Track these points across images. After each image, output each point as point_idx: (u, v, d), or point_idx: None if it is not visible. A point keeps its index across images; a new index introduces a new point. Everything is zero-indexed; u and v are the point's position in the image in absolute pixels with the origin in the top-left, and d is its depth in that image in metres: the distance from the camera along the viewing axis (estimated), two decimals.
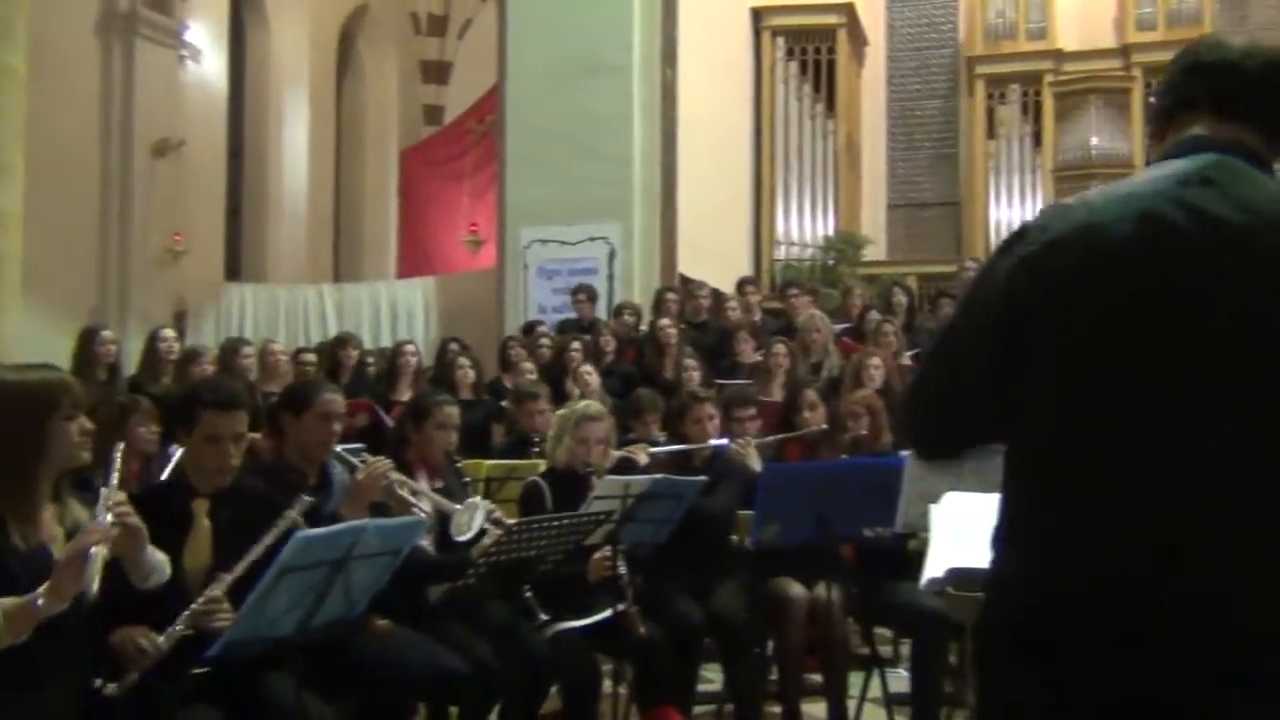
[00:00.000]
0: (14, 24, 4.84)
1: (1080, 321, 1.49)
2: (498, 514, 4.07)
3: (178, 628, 2.69)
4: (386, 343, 10.57)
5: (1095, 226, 1.51)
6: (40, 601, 2.26)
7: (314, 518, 3.35)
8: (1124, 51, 13.57)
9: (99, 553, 2.32)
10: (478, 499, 3.86)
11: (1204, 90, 1.61)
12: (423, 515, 3.60)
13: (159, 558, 2.63)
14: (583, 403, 4.59)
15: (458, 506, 3.73)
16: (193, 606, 2.75)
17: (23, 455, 2.51)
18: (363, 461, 3.58)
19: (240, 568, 2.84)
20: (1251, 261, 1.46)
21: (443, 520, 3.76)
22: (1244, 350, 1.44)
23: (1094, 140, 13.34)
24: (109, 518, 2.40)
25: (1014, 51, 13.81)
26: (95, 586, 2.28)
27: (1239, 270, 1.46)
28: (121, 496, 2.51)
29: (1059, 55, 13.70)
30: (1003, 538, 1.57)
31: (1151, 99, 1.72)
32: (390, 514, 3.64)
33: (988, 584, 1.58)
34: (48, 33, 8.65)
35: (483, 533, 3.71)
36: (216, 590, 2.80)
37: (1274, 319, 1.45)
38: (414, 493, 3.65)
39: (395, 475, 3.57)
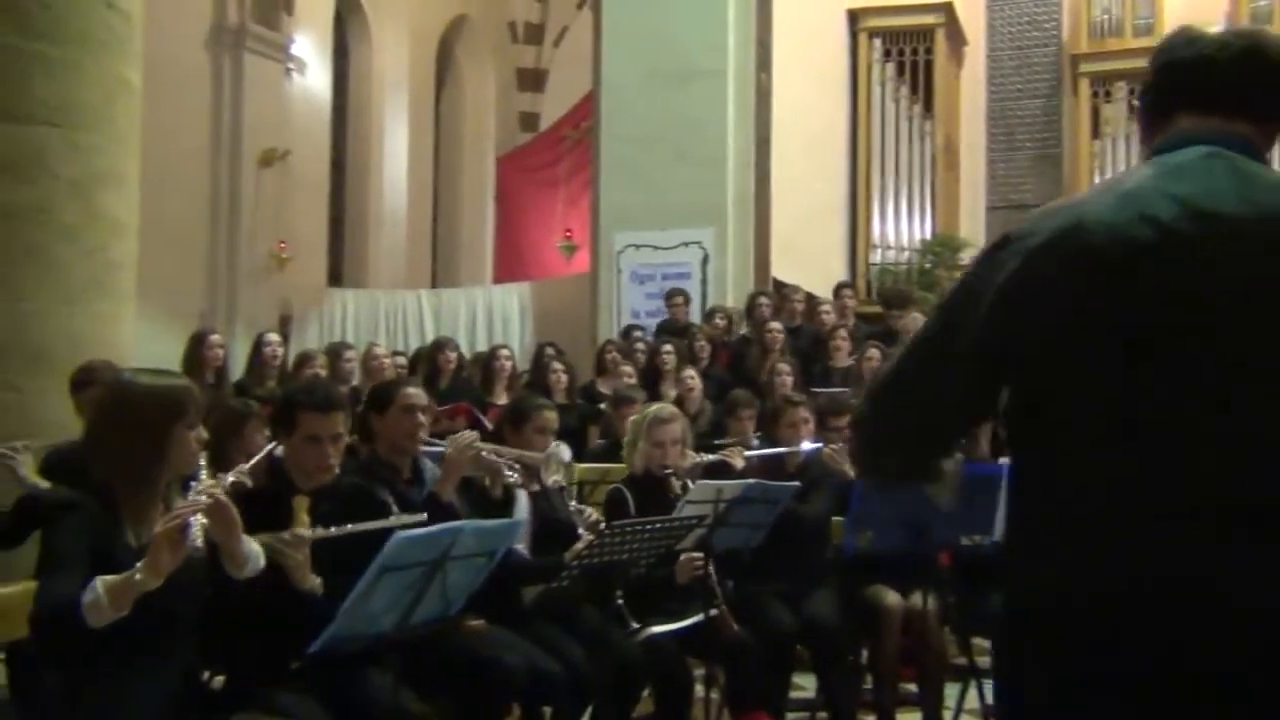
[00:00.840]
0: (131, 40, 5.01)
1: (1069, 324, 1.45)
2: (593, 516, 4.11)
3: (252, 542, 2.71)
4: (483, 347, 10.71)
5: (1085, 226, 1.47)
6: (138, 576, 2.32)
7: (408, 503, 3.42)
8: None
9: (198, 520, 2.41)
10: (556, 444, 3.94)
11: (1183, 87, 1.58)
12: (515, 475, 3.74)
13: (254, 548, 2.68)
14: (654, 406, 4.59)
15: (540, 455, 3.80)
16: (277, 535, 2.79)
17: (147, 458, 2.58)
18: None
19: (336, 530, 2.92)
20: (1248, 253, 1.41)
21: (531, 473, 3.90)
22: (1242, 342, 1.40)
23: None
24: (203, 498, 2.49)
25: (1120, 48, 13.42)
26: (200, 542, 2.38)
27: (1235, 263, 1.41)
28: (211, 482, 2.58)
29: None
30: (1006, 546, 1.57)
31: (1134, 102, 1.67)
32: (489, 511, 3.70)
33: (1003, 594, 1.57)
34: (161, 47, 8.97)
35: (583, 510, 3.80)
36: (305, 532, 2.85)
37: (1272, 310, 1.40)
38: (498, 455, 3.73)
39: (481, 444, 3.63)
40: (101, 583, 2.32)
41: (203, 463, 2.67)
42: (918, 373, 1.59)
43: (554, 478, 3.81)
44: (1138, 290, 1.43)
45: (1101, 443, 1.45)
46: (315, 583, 2.85)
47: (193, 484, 2.58)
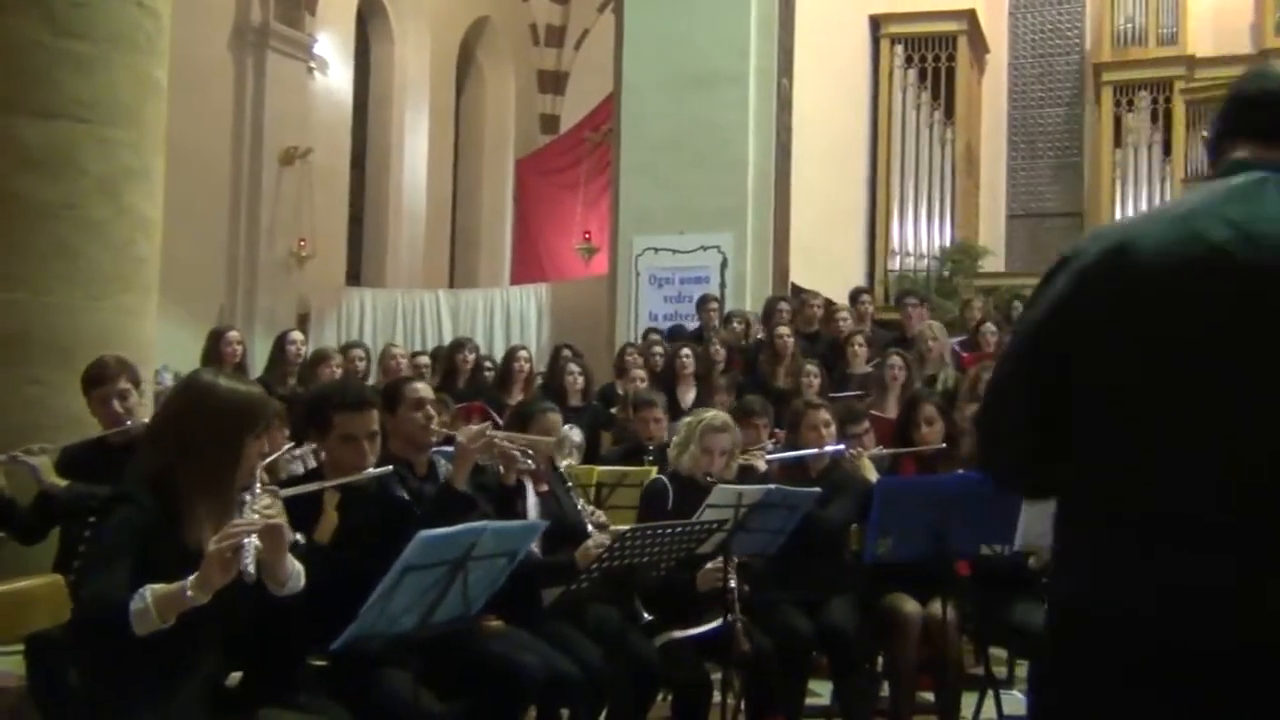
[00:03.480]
0: (159, 38, 5.04)
1: (1121, 344, 1.48)
2: (601, 516, 4.13)
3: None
4: (500, 348, 10.74)
5: (1133, 246, 1.50)
6: (189, 593, 2.32)
7: (423, 499, 3.43)
8: (1261, 57, 13.03)
9: (252, 543, 2.37)
10: (567, 426, 3.95)
11: (1246, 119, 1.61)
12: (530, 462, 3.78)
13: (296, 566, 2.64)
14: (710, 412, 4.57)
15: (552, 439, 3.81)
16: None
17: (221, 463, 2.56)
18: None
19: (295, 490, 2.93)
20: None
21: (544, 458, 3.95)
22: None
23: None
24: (255, 517, 2.45)
25: (1143, 58, 13.38)
26: (253, 568, 2.34)
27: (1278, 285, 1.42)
28: (266, 500, 2.54)
29: (1191, 61, 13.22)
30: (1057, 566, 1.58)
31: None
32: (503, 500, 3.71)
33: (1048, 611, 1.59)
34: (185, 46, 9.03)
35: (588, 508, 3.81)
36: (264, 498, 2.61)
37: None
38: (511, 441, 3.76)
39: (493, 433, 3.67)
40: (151, 592, 2.32)
41: (259, 475, 2.63)
42: (999, 391, 1.66)
43: (567, 460, 3.83)
44: (1183, 308, 1.45)
45: (1136, 452, 1.47)
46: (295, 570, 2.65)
47: (246, 497, 2.54)
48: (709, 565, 3.96)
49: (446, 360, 7.91)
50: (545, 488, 4.07)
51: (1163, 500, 1.45)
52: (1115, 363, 1.48)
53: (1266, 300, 1.43)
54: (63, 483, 3.89)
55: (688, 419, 4.53)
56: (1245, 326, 1.43)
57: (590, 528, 4.03)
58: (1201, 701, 1.40)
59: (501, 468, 3.78)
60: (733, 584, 3.89)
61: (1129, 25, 13.53)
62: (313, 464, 4.41)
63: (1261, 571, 1.39)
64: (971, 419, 1.78)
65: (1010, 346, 1.67)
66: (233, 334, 7.05)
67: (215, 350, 6.81)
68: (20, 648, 3.58)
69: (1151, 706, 1.42)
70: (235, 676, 2.97)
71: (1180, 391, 1.44)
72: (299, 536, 2.82)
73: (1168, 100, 13.23)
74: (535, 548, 3.82)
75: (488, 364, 8.22)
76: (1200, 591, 1.40)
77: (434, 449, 3.89)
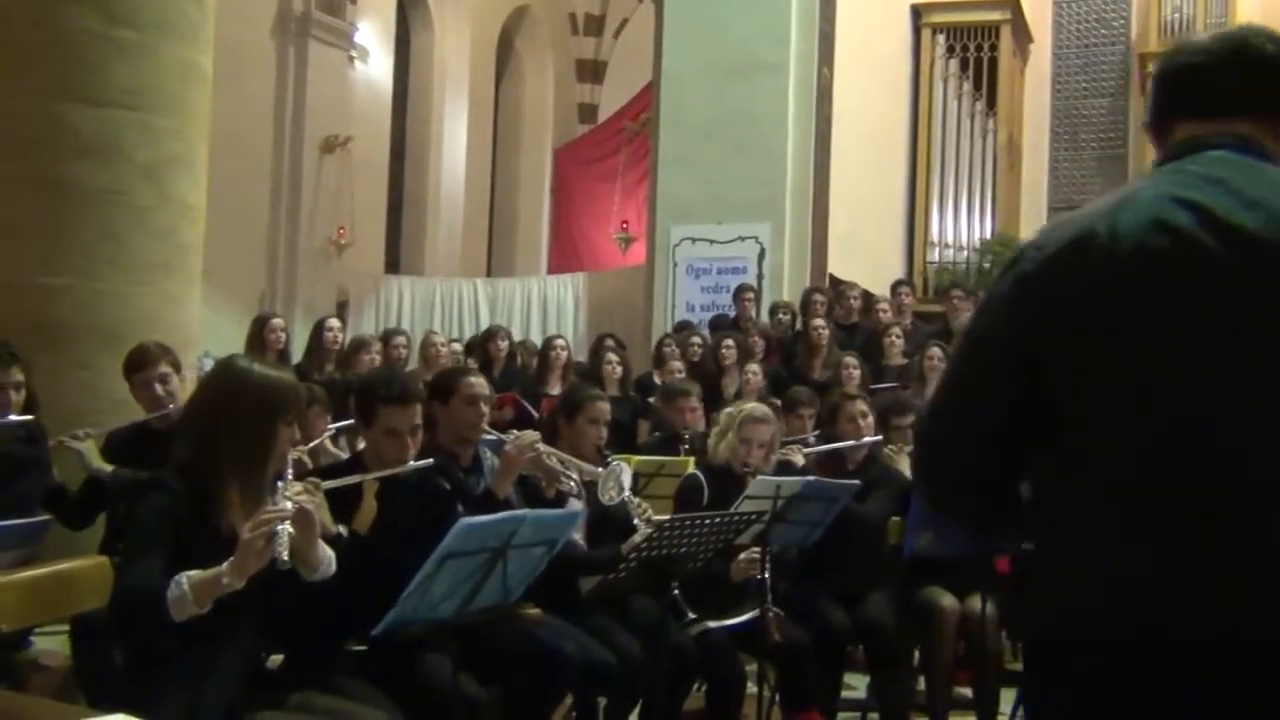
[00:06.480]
0: (204, 26, 5.09)
1: (1083, 334, 1.42)
2: (650, 513, 4.10)
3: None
4: (537, 337, 10.77)
5: (1095, 236, 1.44)
6: (225, 579, 2.36)
7: (466, 497, 3.44)
8: None
9: (285, 529, 2.40)
10: (618, 463, 3.90)
11: (1176, 97, 1.57)
12: (572, 483, 3.71)
13: (328, 553, 2.66)
14: (751, 404, 4.54)
15: (601, 470, 3.78)
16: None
17: (255, 450, 2.59)
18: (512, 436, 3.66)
19: (337, 483, 2.94)
20: (1263, 260, 1.37)
21: (590, 487, 3.85)
22: (1265, 356, 1.36)
23: None
24: (288, 504, 2.48)
25: None
26: (286, 555, 2.37)
27: (1251, 270, 1.37)
28: (298, 487, 2.57)
29: None
30: (1040, 565, 1.50)
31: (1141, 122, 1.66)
32: (541, 506, 3.70)
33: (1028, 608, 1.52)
34: (228, 34, 9.09)
35: (634, 500, 3.79)
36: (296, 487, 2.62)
37: None
38: (561, 462, 3.72)
39: (542, 447, 3.63)
40: (187, 579, 2.36)
41: (292, 460, 2.66)
42: (955, 405, 1.55)
43: (609, 494, 3.78)
44: (1144, 302, 1.40)
45: (1110, 460, 1.41)
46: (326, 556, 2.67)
47: (279, 484, 2.57)
48: (742, 556, 3.95)
49: (480, 350, 7.93)
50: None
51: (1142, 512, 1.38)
52: (1092, 352, 1.42)
53: (1236, 287, 1.38)
54: (109, 468, 3.94)
55: (729, 409, 4.50)
56: (1217, 316, 1.38)
57: (637, 521, 4.00)
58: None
59: (543, 481, 3.75)
60: (766, 575, 3.88)
61: (1177, 15, 13.32)
62: (347, 451, 4.43)
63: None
64: (915, 431, 1.64)
65: (965, 351, 1.55)
66: (276, 321, 7.12)
67: (259, 337, 6.88)
68: (66, 628, 3.64)
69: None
70: (276, 659, 3.00)
71: (1151, 385, 1.39)
72: (342, 529, 2.85)
73: None
74: (580, 538, 3.83)
75: (518, 354, 8.24)
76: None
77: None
